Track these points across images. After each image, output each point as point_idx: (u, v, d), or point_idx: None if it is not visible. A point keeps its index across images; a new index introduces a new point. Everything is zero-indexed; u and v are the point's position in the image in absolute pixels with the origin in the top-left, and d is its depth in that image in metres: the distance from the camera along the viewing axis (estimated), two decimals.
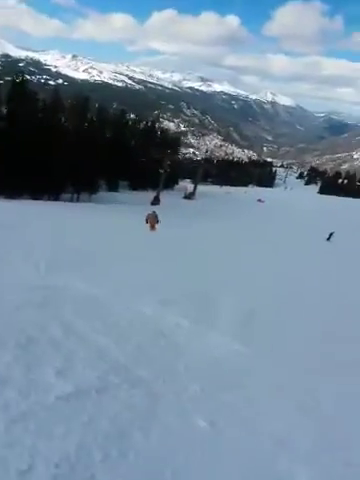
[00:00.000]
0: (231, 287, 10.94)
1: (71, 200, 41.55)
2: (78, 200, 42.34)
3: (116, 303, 7.86)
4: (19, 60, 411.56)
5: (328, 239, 31.80)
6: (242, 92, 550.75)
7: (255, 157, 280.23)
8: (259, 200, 69.77)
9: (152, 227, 21.98)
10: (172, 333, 6.86)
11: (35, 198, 34.80)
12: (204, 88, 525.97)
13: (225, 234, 26.16)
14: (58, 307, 7.09)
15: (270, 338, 7.56)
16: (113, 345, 5.85)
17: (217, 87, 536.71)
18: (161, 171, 53.68)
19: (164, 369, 5.53)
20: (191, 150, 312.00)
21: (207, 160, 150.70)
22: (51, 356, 5.27)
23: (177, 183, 74.32)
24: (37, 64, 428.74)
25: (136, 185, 59.42)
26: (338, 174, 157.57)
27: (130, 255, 13.53)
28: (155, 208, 41.91)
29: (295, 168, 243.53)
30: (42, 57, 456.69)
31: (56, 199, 39.16)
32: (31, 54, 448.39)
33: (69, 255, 11.67)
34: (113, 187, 54.07)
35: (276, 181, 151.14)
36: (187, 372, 5.59)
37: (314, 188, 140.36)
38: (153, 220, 22.09)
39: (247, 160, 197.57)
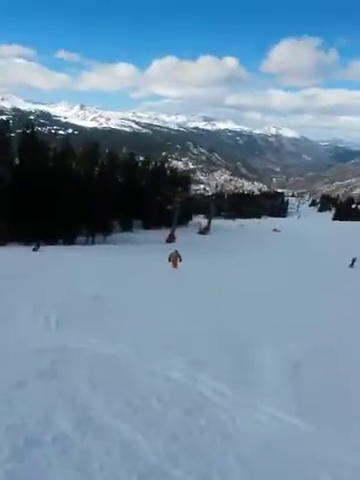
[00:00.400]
0: (265, 332, 9.49)
1: (86, 243, 41.45)
2: (93, 242, 42.22)
3: (138, 367, 6.60)
4: (29, 113, 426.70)
5: (351, 265, 30.66)
6: (246, 128, 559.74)
7: (265, 189, 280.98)
8: (275, 230, 69.18)
9: (175, 265, 22.56)
10: (211, 406, 5.49)
11: (50, 243, 34.65)
12: (209, 127, 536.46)
13: (246, 269, 25.30)
14: (68, 378, 5.88)
15: (330, 403, 6.00)
16: (140, 437, 4.52)
17: (221, 125, 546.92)
18: (170, 208, 53.68)
19: (210, 465, 4.19)
20: (201, 186, 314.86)
21: (218, 195, 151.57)
22: (58, 469, 3.87)
23: (191, 219, 74.29)
24: (47, 116, 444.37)
25: (150, 224, 59.43)
26: (351, 199, 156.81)
27: (149, 299, 12.75)
28: (171, 246, 41.62)
29: (307, 196, 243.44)
30: (51, 109, 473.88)
31: (71, 243, 39.05)
32: (40, 107, 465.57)
33: (83, 304, 10.88)
34: (127, 227, 54.13)
35: (289, 210, 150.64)
36: (241, 468, 4.19)
37: (328, 215, 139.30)
38: (175, 259, 22.68)
39: (258, 192, 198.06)
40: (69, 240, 39.34)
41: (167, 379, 6.20)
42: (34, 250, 28.48)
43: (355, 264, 30.64)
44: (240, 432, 4.91)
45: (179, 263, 22.64)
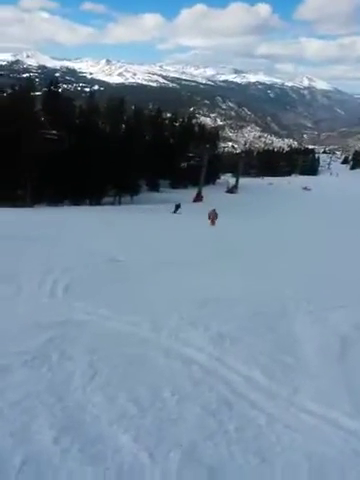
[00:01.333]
0: (302, 300, 8.04)
1: (113, 203, 41.15)
2: (120, 203, 41.86)
3: (151, 346, 5.29)
4: (55, 70, 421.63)
5: None
6: (277, 80, 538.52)
7: (296, 145, 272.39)
8: (305, 188, 67.22)
9: (212, 222, 23.77)
10: (242, 402, 4.13)
11: (76, 204, 34.45)
12: (239, 80, 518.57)
13: (275, 230, 24.18)
14: (63, 363, 4.68)
15: None
16: (146, 456, 3.27)
17: (252, 78, 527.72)
18: (195, 163, 52.40)
19: None
20: (230, 144, 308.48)
21: (247, 152, 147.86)
22: None
23: (219, 178, 72.91)
24: (72, 73, 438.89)
25: (177, 183, 58.59)
26: None
27: (171, 263, 11.53)
28: (198, 205, 40.86)
29: (339, 153, 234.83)
30: (77, 65, 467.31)
31: (98, 203, 38.81)
32: (66, 63, 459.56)
33: (98, 268, 9.84)
34: (154, 187, 53.46)
35: (320, 168, 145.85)
36: None
37: None
38: (214, 216, 23.96)
39: (288, 149, 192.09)
40: (95, 201, 39.06)
41: (186, 362, 4.89)
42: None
43: None
44: (283, 446, 3.55)
45: (216, 220, 23.71)
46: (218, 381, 4.50)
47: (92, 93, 58.18)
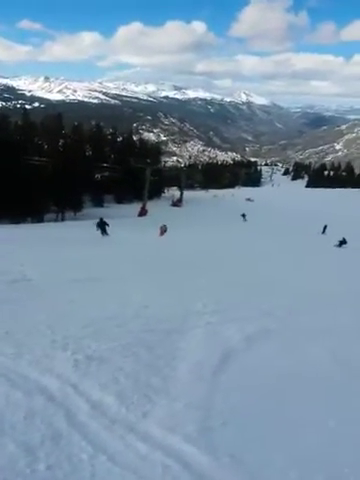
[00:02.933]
0: (208, 315, 7.74)
1: (56, 220, 40.35)
2: (63, 219, 41.16)
3: (2, 375, 4.71)
4: None
5: (323, 232, 31.66)
6: (217, 96, 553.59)
7: (239, 158, 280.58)
8: (248, 199, 69.53)
9: (162, 234, 26.38)
10: (77, 434, 3.70)
11: (16, 222, 33.46)
12: (179, 96, 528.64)
13: (219, 239, 24.84)
14: None
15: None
16: None
17: (191, 94, 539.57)
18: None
19: None
20: (174, 158, 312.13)
21: (191, 166, 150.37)
22: None
23: (163, 192, 73.48)
24: (11, 90, 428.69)
25: (121, 198, 58.52)
26: (323, 166, 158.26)
27: (91, 277, 10.94)
28: (142, 219, 41.00)
29: (280, 165, 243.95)
30: (15, 83, 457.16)
31: (40, 221, 37.93)
32: (3, 81, 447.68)
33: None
34: (98, 202, 53.00)
35: (262, 180, 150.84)
36: None
37: (301, 182, 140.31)
38: (163, 230, 26.85)
39: (231, 162, 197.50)
40: (37, 218, 38.17)
41: (31, 392, 4.34)
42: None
43: (326, 231, 31.56)
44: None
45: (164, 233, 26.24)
46: (58, 411, 4.01)
47: (25, 109, 57.09)
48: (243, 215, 40.98)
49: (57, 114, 50.93)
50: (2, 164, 33.24)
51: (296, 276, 13.32)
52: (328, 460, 3.62)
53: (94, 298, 8.71)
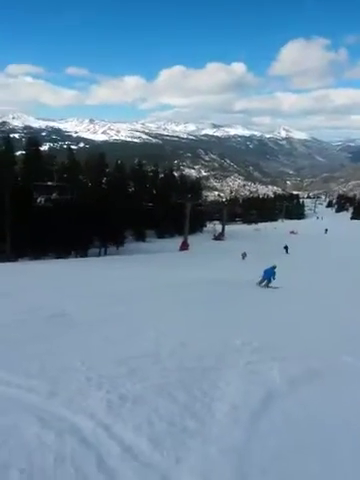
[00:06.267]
0: (248, 353, 7.24)
1: (99, 254, 40.89)
2: (106, 253, 41.65)
3: (35, 414, 4.54)
4: (41, 130, 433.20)
5: None
6: (256, 133, 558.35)
7: (280, 191, 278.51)
8: (292, 232, 68.15)
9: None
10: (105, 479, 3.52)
11: (60, 256, 34.11)
12: (219, 134, 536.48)
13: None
14: None
15: None
16: None
17: (231, 131, 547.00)
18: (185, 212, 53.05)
19: None
20: (216, 193, 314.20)
21: (232, 200, 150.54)
22: None
23: (205, 226, 73.61)
24: (58, 132, 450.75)
25: (163, 233, 58.90)
26: None
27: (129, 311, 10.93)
28: (183, 254, 40.82)
29: (323, 197, 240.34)
30: (62, 125, 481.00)
31: (84, 255, 38.55)
32: (51, 123, 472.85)
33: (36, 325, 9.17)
34: (140, 237, 53.54)
35: (306, 212, 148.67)
36: None
37: (346, 214, 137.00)
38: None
39: (272, 195, 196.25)
40: (81, 252, 38.82)
41: (63, 433, 4.16)
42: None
43: None
44: None
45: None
46: (89, 454, 3.82)
47: (70, 149, 59.35)
48: (285, 248, 39.96)
49: (100, 153, 52.57)
50: (46, 201, 34.28)
51: (345, 313, 12.32)
52: None
53: (131, 334, 8.49)
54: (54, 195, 34.99)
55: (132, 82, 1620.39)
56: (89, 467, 3.62)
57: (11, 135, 56.27)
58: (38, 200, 34.31)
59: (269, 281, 18.09)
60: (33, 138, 50.25)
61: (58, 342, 7.69)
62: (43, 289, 14.74)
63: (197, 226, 64.12)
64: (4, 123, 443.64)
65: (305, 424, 4.61)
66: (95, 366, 6.21)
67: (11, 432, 4.12)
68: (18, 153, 51.20)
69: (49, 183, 35.57)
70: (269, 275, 18.14)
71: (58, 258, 33.31)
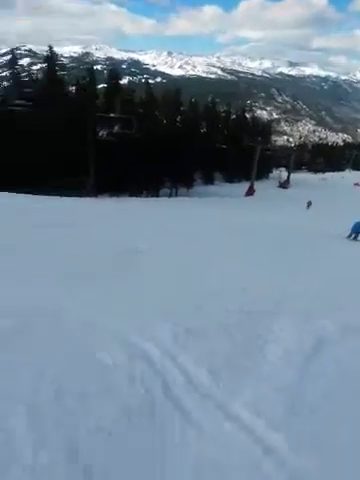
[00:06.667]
0: (305, 302, 6.93)
1: (170, 195, 40.70)
2: (177, 195, 41.39)
3: (109, 340, 4.86)
4: (122, 61, 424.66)
5: None
6: (332, 74, 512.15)
7: (350, 140, 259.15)
8: (356, 184, 63.84)
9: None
10: (169, 404, 3.77)
11: (134, 195, 34.28)
12: (293, 73, 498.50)
13: (322, 224, 22.54)
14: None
15: None
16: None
17: (306, 70, 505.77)
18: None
19: None
20: (285, 137, 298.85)
21: (301, 146, 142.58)
22: None
23: (271, 172, 70.79)
24: (137, 64, 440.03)
25: (231, 176, 57.36)
26: None
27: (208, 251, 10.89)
28: (249, 199, 39.79)
29: None
30: (141, 57, 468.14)
31: (155, 195, 38.59)
32: (131, 55, 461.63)
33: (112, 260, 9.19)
34: (209, 180, 52.57)
35: None
36: None
37: None
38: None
39: (342, 143, 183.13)
40: (152, 193, 38.80)
41: (134, 358, 4.45)
42: None
43: None
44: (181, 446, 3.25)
45: None
46: (156, 379, 4.08)
47: (148, 84, 57.33)
48: None
49: (176, 89, 50.30)
50: (108, 135, 32.10)
51: None
52: None
53: (199, 273, 8.58)
54: (116, 128, 31.47)
55: (210, 12, 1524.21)
56: (157, 391, 3.89)
57: (94, 67, 54.99)
58: (100, 134, 31.22)
59: (357, 234, 16.80)
60: (114, 70, 48.64)
61: (133, 276, 8.02)
62: (119, 226, 14.86)
63: (263, 172, 61.73)
64: (87, 54, 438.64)
65: (355, 371, 4.60)
66: (165, 300, 6.47)
67: (90, 356, 4.44)
68: (100, 86, 50.45)
69: (111, 115, 32.28)
70: (358, 229, 16.83)
71: (131, 196, 33.52)
